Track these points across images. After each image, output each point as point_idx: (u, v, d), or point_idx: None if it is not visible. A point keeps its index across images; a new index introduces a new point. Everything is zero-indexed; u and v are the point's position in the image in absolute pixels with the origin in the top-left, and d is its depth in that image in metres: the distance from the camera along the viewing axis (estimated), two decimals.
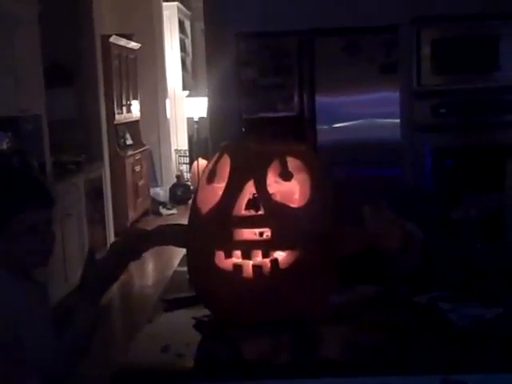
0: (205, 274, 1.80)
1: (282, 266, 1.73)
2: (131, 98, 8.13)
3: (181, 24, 10.03)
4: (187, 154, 9.84)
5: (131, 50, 8.21)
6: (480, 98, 4.48)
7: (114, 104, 7.34)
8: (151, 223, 7.51)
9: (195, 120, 8.88)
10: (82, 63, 6.50)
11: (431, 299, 1.91)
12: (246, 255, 1.74)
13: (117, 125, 7.55)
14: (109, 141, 7.02)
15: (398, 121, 4.36)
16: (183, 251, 1.98)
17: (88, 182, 5.99)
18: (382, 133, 4.37)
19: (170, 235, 1.94)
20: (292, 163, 1.79)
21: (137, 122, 8.49)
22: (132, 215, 7.71)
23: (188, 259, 1.89)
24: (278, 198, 1.77)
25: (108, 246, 5.68)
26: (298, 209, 1.76)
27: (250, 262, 1.74)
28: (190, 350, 1.72)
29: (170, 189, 9.17)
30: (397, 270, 2.06)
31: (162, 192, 9.02)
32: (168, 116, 9.46)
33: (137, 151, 8.14)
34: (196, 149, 9.04)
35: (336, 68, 4.35)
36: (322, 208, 1.80)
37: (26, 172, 2.07)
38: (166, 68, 9.42)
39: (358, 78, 4.36)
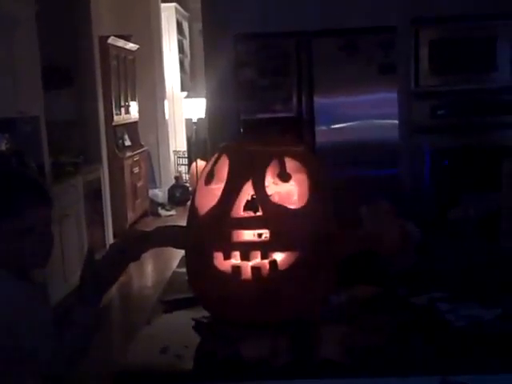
0: (203, 276, 1.80)
1: (280, 267, 1.73)
2: (129, 99, 8.13)
3: (179, 25, 10.04)
4: (186, 155, 9.84)
5: (129, 51, 8.21)
6: (478, 99, 4.48)
7: (112, 105, 7.34)
8: (150, 224, 7.51)
9: (194, 121, 8.88)
10: (80, 64, 6.50)
11: (430, 300, 1.91)
12: (245, 256, 1.74)
13: (115, 126, 7.55)
14: (107, 142, 7.02)
15: (397, 121, 4.37)
16: (182, 252, 1.98)
17: (86, 184, 5.99)
18: (380, 133, 4.38)
19: (168, 236, 1.94)
20: (290, 164, 1.79)
21: (135, 123, 8.49)
22: (131, 216, 7.71)
23: (187, 260, 1.89)
24: (276, 199, 1.77)
25: (107, 247, 5.68)
26: (296, 210, 1.77)
27: (249, 264, 1.74)
28: (189, 351, 1.72)
29: (169, 190, 9.17)
30: (395, 270, 2.07)
31: (160, 193, 9.02)
32: (166, 117, 9.47)
33: (135, 152, 8.14)
34: (194, 150, 9.04)
35: (334, 69, 4.36)
36: (321, 209, 1.80)
37: (25, 173, 2.06)
38: (165, 69, 9.43)
39: (356, 78, 4.37)
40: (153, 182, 9.10)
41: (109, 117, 7.20)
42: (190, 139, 9.73)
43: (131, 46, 8.22)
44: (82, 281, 1.78)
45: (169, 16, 9.59)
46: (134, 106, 8.34)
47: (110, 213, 6.88)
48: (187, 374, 1.64)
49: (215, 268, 1.75)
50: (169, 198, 9.08)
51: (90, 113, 6.64)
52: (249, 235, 1.76)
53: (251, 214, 1.75)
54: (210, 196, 1.81)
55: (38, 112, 5.26)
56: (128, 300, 5.49)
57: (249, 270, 1.73)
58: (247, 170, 1.78)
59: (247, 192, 1.76)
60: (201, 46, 4.89)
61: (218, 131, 4.54)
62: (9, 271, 1.72)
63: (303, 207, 1.77)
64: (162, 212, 8.59)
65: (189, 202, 2.23)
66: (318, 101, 4.38)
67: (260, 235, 1.75)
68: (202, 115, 7.86)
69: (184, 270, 1.93)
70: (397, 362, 1.62)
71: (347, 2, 4.45)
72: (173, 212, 8.61)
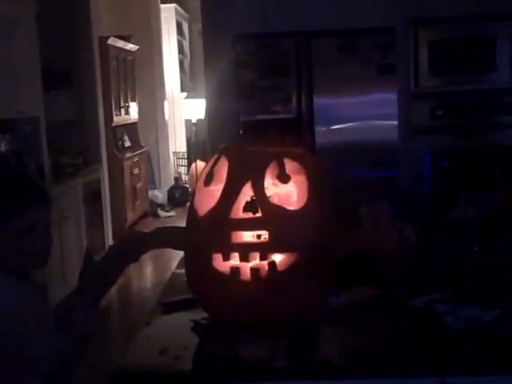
0: (203, 277, 1.80)
1: (279, 268, 1.73)
2: (129, 99, 8.12)
3: (179, 26, 10.04)
4: (185, 156, 9.84)
5: (129, 51, 8.21)
6: (478, 100, 4.48)
7: (112, 106, 7.34)
8: (149, 225, 7.51)
9: (193, 122, 8.88)
10: (79, 65, 6.49)
11: (428, 301, 1.91)
12: (244, 258, 1.74)
13: (115, 127, 7.55)
14: (107, 143, 7.02)
15: (396, 122, 4.37)
16: (181, 253, 1.98)
17: (86, 185, 5.99)
18: (379, 134, 4.38)
19: (168, 237, 1.94)
20: (289, 165, 1.79)
21: (135, 123, 8.48)
22: (130, 217, 7.70)
23: (186, 262, 1.89)
24: (275, 200, 1.77)
25: (106, 248, 5.68)
26: (295, 211, 1.77)
27: (248, 265, 1.74)
28: (188, 352, 1.72)
29: (168, 191, 9.17)
30: (393, 272, 2.07)
31: (160, 194, 9.02)
32: (166, 118, 9.46)
33: (135, 153, 8.14)
34: (194, 151, 9.04)
35: (334, 69, 4.36)
36: (320, 210, 1.80)
37: (24, 173, 2.07)
38: (164, 70, 9.42)
39: (355, 79, 4.37)
40: (152, 182, 9.10)
41: (108, 118, 7.20)
42: (189, 140, 9.73)
43: (131, 46, 8.22)
44: (80, 282, 1.79)
45: (168, 17, 9.59)
46: (133, 107, 8.34)
47: (110, 214, 6.88)
48: (186, 375, 1.64)
49: (214, 269, 1.76)
50: (168, 198, 9.08)
51: (90, 113, 6.64)
52: (248, 236, 1.76)
53: (250, 215, 1.75)
54: (209, 197, 1.81)
55: (37, 113, 5.26)
56: (127, 301, 5.48)
57: (248, 271, 1.73)
58: (246, 171, 1.78)
59: (246, 193, 1.76)
60: (200, 46, 4.89)
61: (218, 132, 4.54)
62: (7, 272, 1.72)
63: (302, 208, 1.77)
64: (162, 213, 8.59)
65: (188, 203, 2.24)
66: (318, 101, 4.38)
67: (259, 236, 1.75)
68: (202, 116, 7.85)
69: (183, 271, 1.93)
70: (395, 363, 1.62)
71: (347, 2, 4.45)
72: (172, 213, 8.61)
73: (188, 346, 1.75)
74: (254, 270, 1.73)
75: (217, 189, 1.80)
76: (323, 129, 4.41)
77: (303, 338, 1.70)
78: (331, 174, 1.95)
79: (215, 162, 1.85)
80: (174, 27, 9.75)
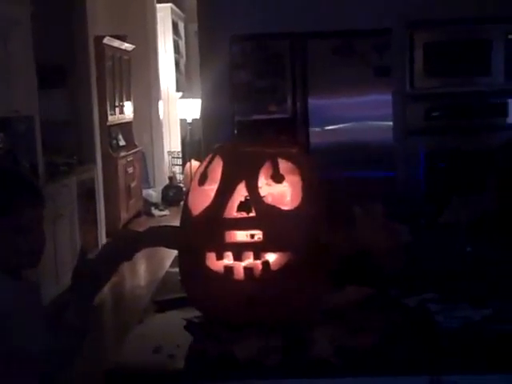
0: (196, 276, 1.81)
1: (273, 267, 1.73)
2: (124, 99, 8.12)
3: (174, 25, 10.04)
4: (180, 156, 9.84)
5: (125, 51, 8.21)
6: (472, 101, 4.50)
7: (106, 105, 7.34)
8: (143, 224, 7.51)
9: (188, 122, 8.88)
10: (75, 64, 6.49)
11: (421, 301, 1.92)
12: (238, 257, 1.74)
13: (109, 126, 7.55)
14: (101, 142, 7.01)
15: (391, 123, 4.38)
16: (175, 252, 1.99)
17: (80, 183, 5.98)
18: (374, 135, 4.39)
19: (161, 236, 1.94)
20: (284, 165, 1.79)
21: (130, 123, 8.49)
22: (124, 216, 7.70)
23: (179, 260, 1.89)
24: (269, 200, 1.78)
25: (100, 246, 5.68)
26: (289, 211, 1.77)
27: (242, 264, 1.74)
28: (182, 350, 1.72)
29: (163, 190, 9.17)
30: (387, 272, 2.08)
31: (154, 193, 9.02)
32: (161, 117, 9.47)
33: (129, 152, 8.14)
34: (189, 150, 9.04)
35: (329, 70, 4.37)
36: (314, 210, 1.80)
37: (18, 172, 2.06)
38: (160, 69, 9.42)
39: (351, 80, 4.38)
40: (146, 182, 9.10)
41: (103, 117, 7.20)
42: (184, 140, 9.73)
43: (127, 46, 8.22)
44: (74, 281, 1.79)
45: (164, 16, 9.59)
46: (128, 106, 8.34)
47: (104, 213, 6.87)
48: (179, 373, 1.64)
49: (208, 268, 1.76)
50: (162, 198, 9.08)
51: (85, 112, 6.63)
52: (242, 236, 1.76)
53: (244, 214, 1.76)
54: (203, 196, 1.81)
55: (32, 111, 5.26)
56: (121, 300, 5.49)
57: (241, 270, 1.74)
58: (241, 171, 1.79)
59: (240, 193, 1.76)
60: (196, 46, 4.90)
61: (213, 132, 4.55)
62: (1, 271, 1.72)
63: (296, 208, 1.77)
64: (156, 212, 8.59)
65: (182, 203, 2.24)
66: (313, 102, 4.39)
67: (253, 236, 1.75)
68: (197, 116, 7.86)
69: (177, 270, 1.93)
70: (387, 362, 1.63)
71: (342, 3, 4.46)
72: (166, 212, 8.61)
73: (181, 344, 1.75)
74: (248, 270, 1.73)
75: (211, 188, 1.81)
76: (318, 129, 4.42)
77: (296, 337, 1.71)
78: (325, 174, 1.95)
79: (209, 162, 1.86)
80: (169, 27, 9.76)
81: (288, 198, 1.80)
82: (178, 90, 9.97)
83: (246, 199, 1.76)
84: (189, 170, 8.41)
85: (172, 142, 9.97)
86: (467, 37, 4.45)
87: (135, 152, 8.41)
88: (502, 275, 2.10)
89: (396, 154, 4.40)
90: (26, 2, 5.15)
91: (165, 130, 9.69)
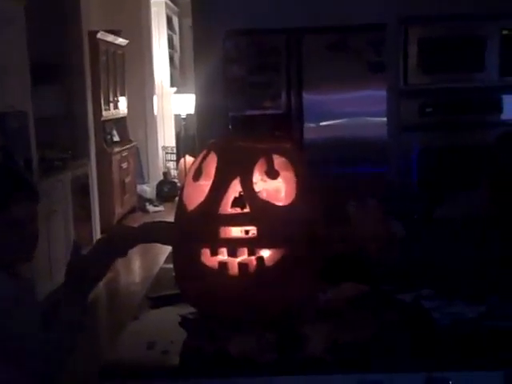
0: (191, 272, 1.81)
1: (267, 263, 1.74)
2: (118, 94, 8.10)
3: (169, 20, 10.01)
4: (174, 151, 9.82)
5: (119, 46, 8.18)
6: (466, 98, 4.50)
7: (101, 100, 7.32)
8: (138, 220, 7.50)
9: (182, 117, 8.86)
10: (69, 59, 6.46)
11: (415, 298, 1.92)
12: (232, 253, 1.74)
13: (104, 121, 7.53)
14: (95, 137, 6.99)
15: (385, 119, 4.37)
16: (169, 248, 1.99)
17: (74, 179, 5.97)
18: (368, 131, 4.39)
19: (156, 232, 1.94)
20: (278, 161, 1.79)
21: (124, 118, 8.46)
22: (118, 212, 7.69)
23: (174, 256, 1.89)
24: (264, 196, 1.78)
25: (94, 242, 5.67)
26: (283, 207, 1.77)
27: (236, 260, 1.74)
28: (176, 346, 1.72)
29: (157, 186, 9.16)
30: (381, 268, 2.08)
31: (148, 189, 9.00)
32: (155, 113, 9.44)
33: (124, 148, 8.12)
34: (183, 146, 9.02)
35: (323, 66, 4.36)
36: (308, 206, 1.80)
37: (13, 167, 2.06)
38: (154, 64, 9.40)
39: (345, 76, 4.37)
40: (141, 177, 9.08)
41: (97, 112, 7.18)
42: (178, 135, 9.71)
43: (121, 40, 8.19)
44: (68, 276, 1.78)
45: (158, 11, 9.57)
46: (122, 102, 8.32)
47: (98, 208, 6.86)
48: (173, 369, 1.65)
49: (202, 264, 1.76)
50: (157, 193, 9.07)
51: (79, 108, 6.61)
52: (236, 232, 1.76)
53: (239, 210, 1.76)
54: (197, 192, 1.81)
55: (26, 107, 5.24)
56: (115, 296, 5.48)
57: (236, 266, 1.74)
58: (235, 166, 1.79)
59: (235, 189, 1.76)
60: (191, 41, 4.89)
61: (207, 127, 4.54)
62: None
63: (290, 204, 1.77)
64: (150, 208, 8.58)
65: (177, 198, 2.23)
66: (307, 98, 4.38)
67: (247, 232, 1.76)
68: (191, 111, 7.84)
69: (171, 266, 1.93)
70: (382, 359, 1.63)
71: None
72: (161, 208, 8.60)
73: (175, 340, 1.75)
74: (242, 265, 1.73)
75: (205, 184, 1.81)
76: (312, 125, 4.42)
77: (290, 333, 1.71)
78: (320, 170, 1.95)
79: (204, 158, 1.85)
80: (164, 22, 9.73)
81: (282, 194, 1.80)
82: (172, 85, 9.95)
83: (240, 195, 1.76)
84: (183, 166, 8.39)
85: (166, 137, 9.95)
86: (462, 33, 4.45)
87: (129, 147, 8.39)
88: (497, 271, 2.10)
89: (390, 149, 4.40)
90: None
91: (159, 125, 9.67)
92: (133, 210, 8.37)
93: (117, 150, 7.81)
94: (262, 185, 1.79)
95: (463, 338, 1.69)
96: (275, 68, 4.38)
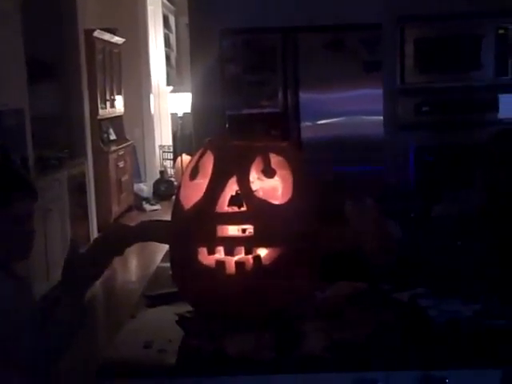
0: (187, 270, 1.81)
1: (264, 262, 1.74)
2: (115, 92, 8.09)
3: (165, 19, 10.00)
4: (171, 150, 9.82)
5: (115, 44, 8.17)
6: (463, 97, 4.51)
7: (97, 99, 7.31)
8: (134, 219, 7.49)
9: (179, 116, 8.85)
10: (65, 57, 6.45)
11: (412, 296, 1.92)
12: (229, 252, 1.74)
13: (100, 120, 7.52)
14: (92, 136, 6.98)
15: (382, 118, 4.38)
16: (166, 247, 1.99)
17: (71, 178, 5.96)
18: (365, 130, 4.39)
19: (153, 231, 1.94)
20: (275, 160, 1.80)
21: (120, 117, 8.45)
22: (115, 211, 7.68)
23: (171, 255, 1.89)
24: (260, 194, 1.78)
25: (91, 241, 5.66)
26: (280, 206, 1.77)
27: (233, 259, 1.75)
28: (173, 345, 1.73)
29: (154, 184, 9.15)
30: (379, 267, 2.08)
31: (145, 188, 9.00)
32: (152, 111, 9.44)
33: (120, 146, 8.11)
34: (180, 145, 9.02)
35: (320, 65, 4.36)
36: (305, 205, 1.81)
37: (10, 166, 2.06)
38: (150, 63, 9.39)
39: (341, 75, 4.37)
40: (138, 176, 9.07)
41: (94, 111, 7.17)
42: (175, 134, 9.71)
43: (117, 39, 8.18)
44: (65, 275, 1.78)
45: (155, 9, 9.56)
46: (119, 100, 8.30)
47: (95, 207, 6.85)
48: (170, 368, 1.65)
49: (199, 263, 1.76)
50: (154, 192, 9.06)
51: (75, 106, 6.60)
52: (233, 230, 1.77)
53: (235, 209, 1.76)
54: (194, 191, 1.81)
55: (22, 105, 5.23)
56: (112, 294, 5.47)
57: (233, 265, 1.74)
58: (232, 165, 1.79)
59: (232, 187, 1.76)
60: (187, 40, 4.88)
61: (204, 126, 4.54)
62: None
63: (287, 203, 1.78)
64: (147, 206, 8.58)
65: (173, 197, 2.23)
66: (304, 97, 4.38)
67: (244, 230, 1.76)
68: (188, 110, 7.84)
69: (168, 264, 1.93)
70: (379, 357, 1.63)
71: None
72: (157, 206, 8.60)
73: (173, 339, 1.75)
74: (239, 264, 1.73)
75: (202, 183, 1.81)
76: (309, 124, 4.42)
77: (288, 332, 1.71)
78: (316, 168, 1.96)
79: (201, 156, 1.86)
80: (160, 20, 9.72)
81: (279, 193, 1.81)
82: (168, 83, 9.94)
83: (237, 194, 1.76)
84: (180, 165, 8.39)
85: (163, 136, 9.95)
86: (458, 32, 4.46)
87: (126, 146, 8.38)
88: (493, 270, 2.11)
89: (386, 148, 4.41)
90: None
91: (156, 124, 9.67)
92: (129, 209, 8.37)
93: (113, 148, 7.80)
94: (259, 183, 1.79)
95: (460, 337, 1.69)
96: (272, 67, 4.38)
